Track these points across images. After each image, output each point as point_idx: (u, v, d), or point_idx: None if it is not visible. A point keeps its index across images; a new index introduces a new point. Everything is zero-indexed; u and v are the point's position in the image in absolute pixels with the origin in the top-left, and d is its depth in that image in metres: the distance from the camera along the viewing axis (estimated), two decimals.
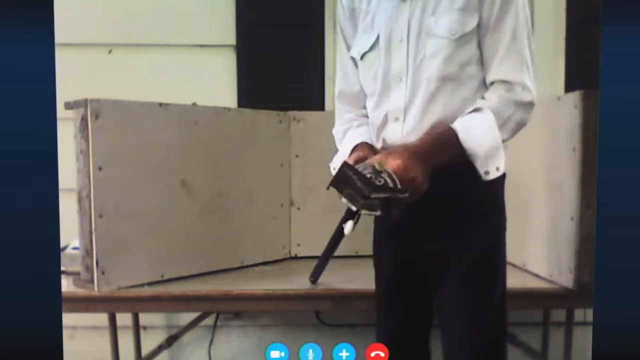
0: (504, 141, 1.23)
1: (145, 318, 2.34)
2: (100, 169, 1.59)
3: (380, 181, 1.12)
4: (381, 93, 1.29)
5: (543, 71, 2.39)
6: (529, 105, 1.24)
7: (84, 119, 1.58)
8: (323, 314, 2.39)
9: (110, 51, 2.36)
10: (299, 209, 2.10)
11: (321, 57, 2.36)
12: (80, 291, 1.63)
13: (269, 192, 2.04)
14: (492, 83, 1.24)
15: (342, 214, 2.08)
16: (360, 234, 1.84)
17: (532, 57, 1.25)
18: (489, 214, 1.28)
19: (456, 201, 1.25)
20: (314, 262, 2.07)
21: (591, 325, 1.11)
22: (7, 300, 1.04)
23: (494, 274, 1.29)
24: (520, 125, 1.26)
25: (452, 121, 1.22)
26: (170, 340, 2.25)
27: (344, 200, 1.20)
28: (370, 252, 2.07)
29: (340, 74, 1.41)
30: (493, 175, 1.22)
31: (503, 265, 1.32)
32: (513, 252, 1.84)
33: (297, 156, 2.08)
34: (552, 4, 2.40)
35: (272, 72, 2.38)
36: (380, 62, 1.28)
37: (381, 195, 1.12)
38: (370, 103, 1.34)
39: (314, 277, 1.72)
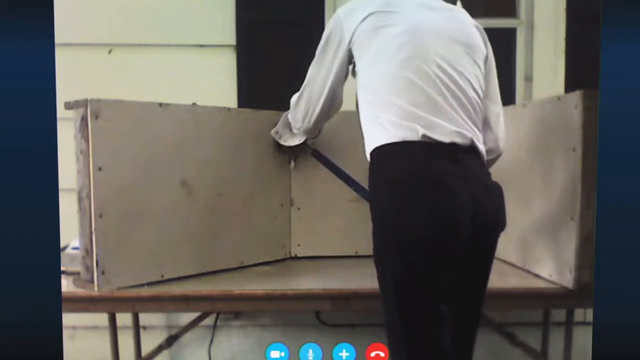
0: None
1: (145, 318, 2.34)
2: (100, 169, 1.58)
3: None
4: None
5: (543, 71, 2.42)
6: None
7: (84, 119, 1.58)
8: (323, 314, 2.39)
9: (110, 51, 2.36)
10: (299, 209, 2.10)
11: None
12: (80, 291, 1.63)
13: (269, 192, 2.04)
14: None
15: (342, 214, 2.10)
16: (360, 234, 1.85)
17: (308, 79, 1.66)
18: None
19: None
20: (314, 262, 2.08)
21: (591, 325, 1.11)
22: (8, 300, 1.05)
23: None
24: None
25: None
26: (170, 340, 2.25)
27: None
28: (369, 252, 2.08)
29: None
30: None
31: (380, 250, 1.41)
32: (513, 252, 1.85)
33: (297, 156, 2.08)
34: (552, 4, 2.40)
35: (272, 72, 2.38)
36: None
37: None
38: None
39: None
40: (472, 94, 1.44)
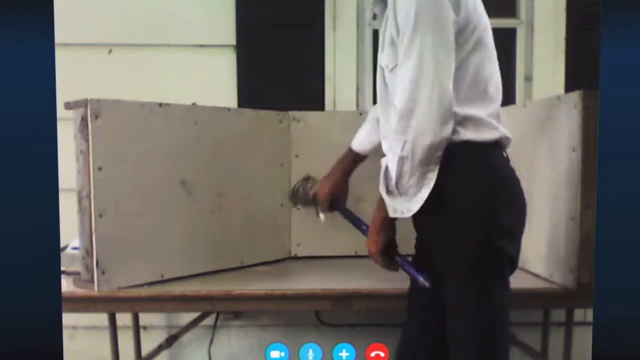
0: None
1: (145, 318, 2.34)
2: (100, 169, 1.59)
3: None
4: None
5: (543, 71, 2.42)
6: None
7: (84, 119, 1.58)
8: (323, 314, 2.39)
9: (110, 51, 2.36)
10: (299, 209, 2.10)
11: (321, 57, 2.36)
12: (80, 291, 1.63)
13: (269, 192, 2.04)
14: None
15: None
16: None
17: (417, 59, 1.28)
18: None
19: None
20: (314, 262, 2.08)
21: (591, 325, 1.11)
22: (8, 300, 1.05)
23: None
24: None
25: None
26: (170, 340, 2.25)
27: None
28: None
29: None
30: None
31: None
32: None
33: (297, 156, 2.08)
34: (552, 4, 2.40)
35: (272, 72, 2.38)
36: None
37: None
38: None
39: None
40: None
